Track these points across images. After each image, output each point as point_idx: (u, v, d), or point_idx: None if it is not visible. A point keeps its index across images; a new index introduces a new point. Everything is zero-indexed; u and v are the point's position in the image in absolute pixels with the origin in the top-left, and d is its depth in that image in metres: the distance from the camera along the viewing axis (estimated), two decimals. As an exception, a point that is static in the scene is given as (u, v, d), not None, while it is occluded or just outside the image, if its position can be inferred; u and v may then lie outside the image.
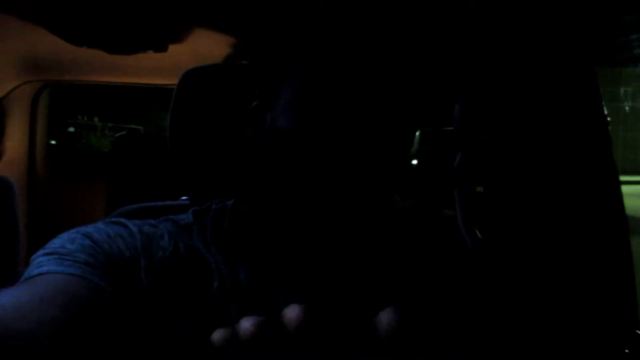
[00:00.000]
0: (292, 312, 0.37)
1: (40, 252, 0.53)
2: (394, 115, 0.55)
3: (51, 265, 0.50)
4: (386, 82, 0.55)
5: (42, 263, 0.51)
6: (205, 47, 1.83)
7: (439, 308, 0.59)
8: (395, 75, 0.56)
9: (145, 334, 0.53)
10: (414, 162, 9.38)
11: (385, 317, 0.38)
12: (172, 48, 1.85)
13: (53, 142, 3.94)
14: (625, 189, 0.74)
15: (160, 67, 2.15)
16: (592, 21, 0.71)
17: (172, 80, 2.28)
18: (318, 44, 0.56)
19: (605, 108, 0.74)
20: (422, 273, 0.62)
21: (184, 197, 1.02)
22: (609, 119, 0.74)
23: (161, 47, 1.83)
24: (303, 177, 0.54)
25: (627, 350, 0.68)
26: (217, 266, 0.58)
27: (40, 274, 0.50)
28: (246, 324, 0.38)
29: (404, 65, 0.57)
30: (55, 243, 0.54)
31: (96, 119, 14.01)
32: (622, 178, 0.75)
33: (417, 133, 10.14)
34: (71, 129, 13.20)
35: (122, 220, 0.60)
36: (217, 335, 0.37)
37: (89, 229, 0.57)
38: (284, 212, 0.57)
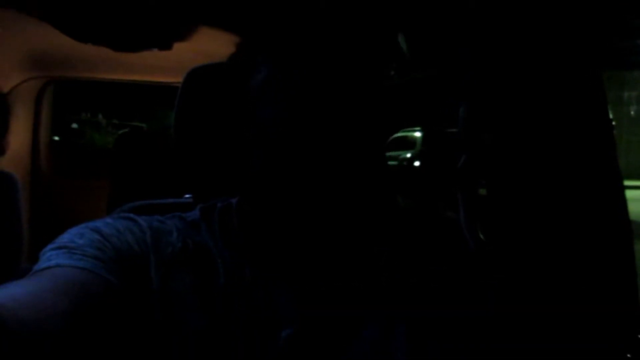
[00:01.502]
0: None
1: (50, 246, 0.54)
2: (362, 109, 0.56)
3: (60, 259, 0.51)
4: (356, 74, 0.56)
5: (51, 257, 0.52)
6: (210, 45, 1.83)
7: (441, 308, 0.59)
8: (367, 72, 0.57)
9: (153, 328, 0.53)
10: (416, 163, 9.39)
11: None
12: (177, 46, 1.85)
13: (56, 138, 3.95)
14: (629, 193, 0.74)
15: (164, 65, 2.15)
16: (599, 24, 0.71)
17: (176, 78, 2.29)
18: (302, 41, 0.56)
19: (610, 112, 0.74)
20: (424, 273, 0.62)
21: (187, 195, 1.02)
22: (613, 123, 0.74)
23: (166, 45, 1.84)
24: (293, 172, 0.54)
25: (629, 355, 0.67)
26: (224, 262, 0.59)
27: (49, 267, 0.50)
28: None
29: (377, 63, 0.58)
30: (65, 238, 0.55)
31: (100, 116, 14.04)
32: (626, 183, 0.74)
33: (420, 134, 10.15)
34: (74, 126, 13.22)
35: (131, 215, 0.61)
36: None
37: (98, 223, 0.57)
38: (283, 209, 0.57)
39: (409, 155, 9.62)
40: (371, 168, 0.57)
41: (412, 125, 10.08)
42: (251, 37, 0.61)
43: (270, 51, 0.58)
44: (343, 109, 0.55)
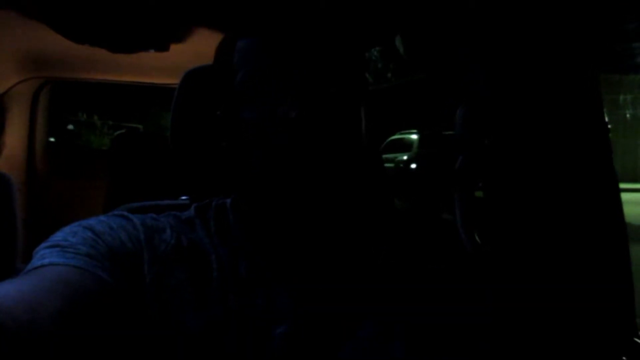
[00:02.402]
0: None
1: (43, 244, 0.54)
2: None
3: (53, 257, 0.51)
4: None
5: (44, 255, 0.52)
6: (207, 47, 1.83)
7: (438, 309, 0.59)
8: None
9: (147, 325, 0.53)
10: (413, 165, 9.40)
11: None
12: (174, 47, 1.85)
13: (52, 139, 3.94)
14: (624, 196, 0.74)
15: (161, 66, 2.15)
16: (595, 28, 0.71)
17: (172, 80, 2.28)
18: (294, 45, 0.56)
19: (605, 115, 0.74)
20: (421, 274, 0.62)
21: (183, 197, 1.02)
22: (609, 126, 0.74)
23: (163, 47, 1.84)
24: (289, 171, 0.54)
25: (624, 358, 0.68)
26: (218, 257, 0.59)
27: (42, 266, 0.50)
28: None
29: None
30: (58, 236, 0.55)
31: (96, 117, 14.01)
32: (622, 185, 0.75)
33: (416, 137, 10.14)
34: (70, 127, 13.20)
35: (125, 213, 0.61)
36: None
37: (91, 221, 0.58)
38: (280, 208, 0.57)
39: (405, 157, 9.63)
40: (367, 167, 0.58)
41: (408, 128, 10.09)
42: (230, 38, 0.61)
43: (248, 51, 0.58)
44: (335, 108, 0.55)
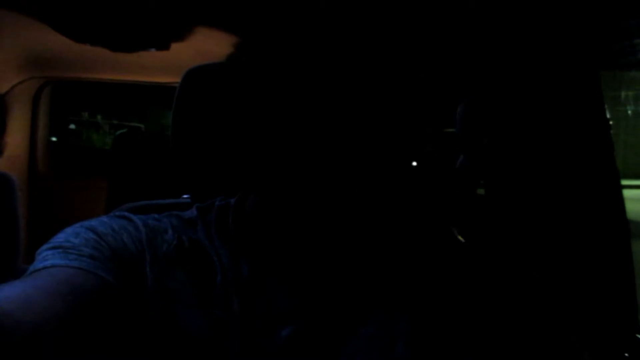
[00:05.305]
0: None
1: (45, 246, 0.54)
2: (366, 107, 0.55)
3: (56, 258, 0.51)
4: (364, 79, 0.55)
5: (47, 257, 0.51)
6: (208, 45, 1.83)
7: (438, 310, 0.59)
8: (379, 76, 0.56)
9: (149, 326, 0.53)
10: (413, 163, 9.40)
11: None
12: (175, 46, 1.85)
13: (54, 139, 3.94)
14: (626, 193, 0.74)
15: (162, 65, 2.15)
16: (596, 25, 0.71)
17: (174, 78, 2.29)
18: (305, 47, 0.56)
19: (607, 112, 0.74)
20: (422, 274, 0.62)
21: (185, 196, 1.02)
22: (610, 122, 0.74)
23: (164, 45, 1.84)
24: (294, 170, 0.54)
25: (626, 354, 0.68)
26: (220, 260, 0.58)
27: (45, 268, 0.50)
28: None
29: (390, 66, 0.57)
30: (60, 237, 0.55)
31: (98, 117, 14.02)
32: (624, 182, 0.75)
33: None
34: (72, 126, 13.18)
35: (126, 214, 0.61)
36: None
37: (94, 222, 0.57)
38: (285, 209, 0.57)
39: (407, 155, 9.63)
40: (373, 169, 0.57)
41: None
42: (253, 38, 0.61)
43: (272, 53, 0.57)
44: (344, 109, 0.54)
